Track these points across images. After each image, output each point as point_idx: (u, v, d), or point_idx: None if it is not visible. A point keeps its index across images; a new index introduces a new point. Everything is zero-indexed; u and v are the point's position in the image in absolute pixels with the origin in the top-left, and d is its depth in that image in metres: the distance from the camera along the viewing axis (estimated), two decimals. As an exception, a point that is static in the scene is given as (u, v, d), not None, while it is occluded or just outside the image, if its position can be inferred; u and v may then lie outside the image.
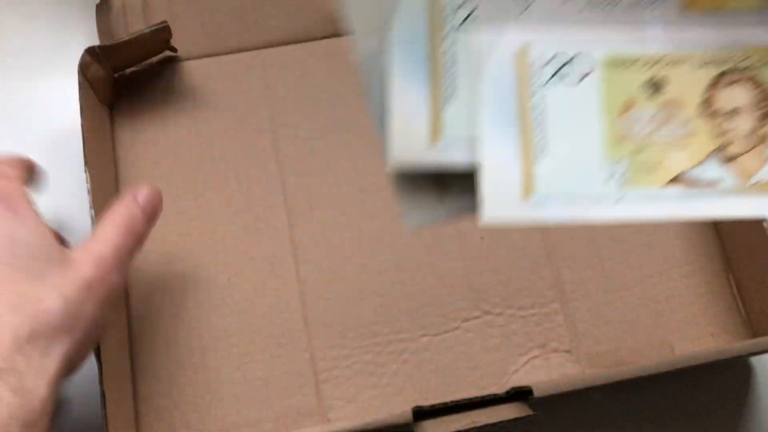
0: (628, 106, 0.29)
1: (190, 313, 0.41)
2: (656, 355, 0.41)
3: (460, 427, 0.33)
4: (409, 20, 0.29)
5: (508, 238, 0.43)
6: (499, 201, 0.29)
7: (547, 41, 0.29)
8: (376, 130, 0.29)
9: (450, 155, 0.29)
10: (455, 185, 0.30)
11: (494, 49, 0.29)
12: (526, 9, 0.29)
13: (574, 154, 0.29)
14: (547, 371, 0.40)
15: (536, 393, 0.34)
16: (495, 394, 0.35)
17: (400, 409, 0.34)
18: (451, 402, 0.34)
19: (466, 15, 0.29)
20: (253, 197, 0.44)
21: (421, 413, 0.34)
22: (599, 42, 0.29)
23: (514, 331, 0.41)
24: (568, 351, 0.41)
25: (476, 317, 0.42)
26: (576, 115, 0.29)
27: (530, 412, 0.34)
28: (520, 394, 0.35)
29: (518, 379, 0.40)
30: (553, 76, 0.29)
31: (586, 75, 0.29)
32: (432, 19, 0.29)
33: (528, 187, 0.29)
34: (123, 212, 0.34)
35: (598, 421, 0.41)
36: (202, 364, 0.40)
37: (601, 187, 0.29)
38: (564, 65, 0.29)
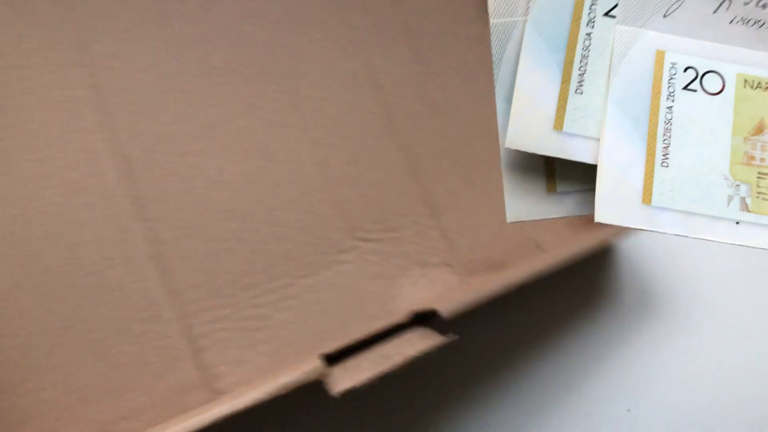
0: (760, 129, 0.28)
1: (21, 302, 0.35)
2: (525, 253, 0.40)
3: (374, 369, 0.30)
4: (553, 4, 0.28)
5: (373, 161, 0.42)
6: (616, 203, 0.27)
7: (687, 49, 0.28)
8: (499, 108, 0.28)
9: (571, 145, 0.28)
10: (568, 180, 0.28)
11: (632, 48, 0.28)
12: (671, 12, 0.28)
13: (698, 167, 0.28)
14: (431, 289, 0.39)
15: (444, 314, 0.32)
16: (399, 324, 0.33)
17: (296, 362, 0.30)
18: (357, 341, 0.32)
19: (610, 6, 0.28)
20: (72, 149, 0.37)
21: (330, 361, 0.31)
22: (741, 60, 0.28)
23: (392, 255, 0.39)
24: (448, 264, 0.39)
25: (353, 247, 0.39)
26: (705, 128, 0.28)
27: (445, 340, 0.32)
28: (424, 318, 0.33)
29: (410, 303, 0.38)
30: (688, 85, 0.28)
31: (722, 90, 0.28)
32: (575, 3, 0.28)
33: (648, 193, 0.27)
34: None
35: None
36: (51, 361, 0.35)
37: (721, 208, 0.28)
38: (700, 76, 0.28)
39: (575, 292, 0.45)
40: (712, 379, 0.44)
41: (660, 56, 0.28)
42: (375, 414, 0.40)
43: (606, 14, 0.28)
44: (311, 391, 0.30)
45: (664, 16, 0.28)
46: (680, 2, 0.28)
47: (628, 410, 0.43)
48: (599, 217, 0.27)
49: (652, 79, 0.28)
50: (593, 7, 0.28)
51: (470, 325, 0.42)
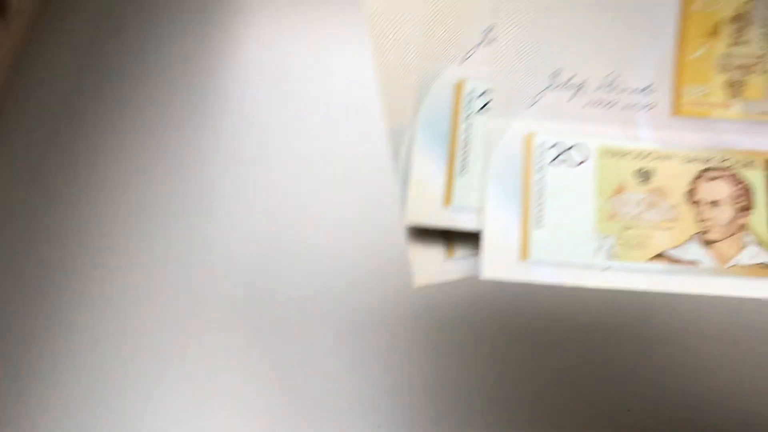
0: (619, 190, 0.34)
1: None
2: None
3: None
4: (436, 103, 0.35)
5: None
6: (498, 261, 0.33)
7: (551, 130, 0.34)
8: (398, 192, 0.34)
9: (458, 218, 0.34)
10: (461, 247, 0.34)
11: (505, 133, 0.34)
12: (534, 103, 0.34)
13: (567, 226, 0.33)
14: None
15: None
16: None
17: None
18: None
19: (483, 104, 0.34)
20: None
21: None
22: (596, 135, 0.34)
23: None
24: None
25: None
26: (572, 193, 0.34)
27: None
28: None
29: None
30: (554, 159, 0.34)
31: (583, 161, 0.34)
32: (455, 104, 0.35)
33: (524, 251, 0.33)
34: None
35: None
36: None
37: (590, 258, 0.33)
38: (564, 151, 0.34)
39: (574, 292, 0.45)
40: (712, 378, 0.44)
41: (528, 139, 0.34)
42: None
43: (480, 110, 0.35)
44: None
45: (530, 106, 0.34)
46: (541, 94, 0.34)
47: (628, 410, 0.43)
48: (484, 274, 0.33)
49: (522, 157, 0.34)
50: (470, 104, 0.35)
51: (469, 324, 0.43)
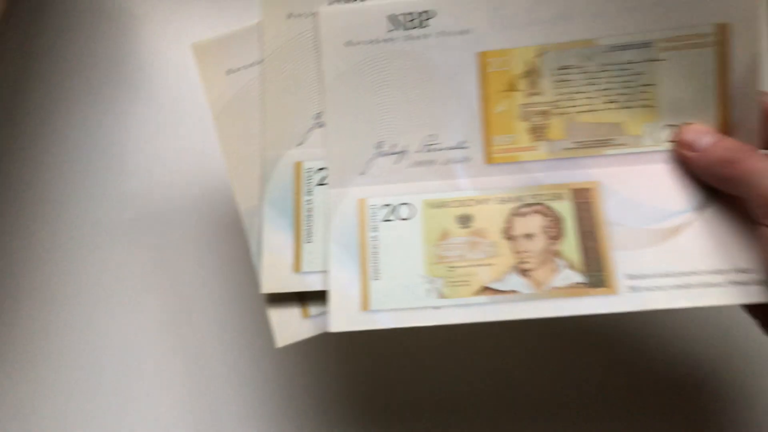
0: (443, 236, 0.38)
1: None
2: None
3: None
4: (279, 183, 0.40)
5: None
6: (343, 315, 0.37)
7: (381, 193, 0.39)
8: (255, 263, 0.39)
9: (308, 281, 0.38)
10: (315, 305, 0.38)
11: (341, 203, 0.39)
12: (364, 172, 0.39)
13: (401, 274, 0.37)
14: None
15: None
16: None
17: None
18: None
19: (320, 179, 0.39)
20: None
21: None
22: (423, 190, 0.39)
23: None
24: None
25: None
26: (403, 245, 0.38)
27: None
28: None
29: None
30: (386, 218, 0.38)
31: (411, 217, 0.38)
32: (296, 182, 0.40)
33: (365, 303, 0.37)
34: None
35: None
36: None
37: (423, 300, 0.37)
38: (394, 209, 0.38)
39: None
40: (711, 378, 0.44)
41: (361, 203, 0.39)
42: None
43: (318, 184, 0.39)
44: None
45: (360, 174, 0.39)
46: (370, 163, 0.39)
47: (628, 410, 0.44)
48: (332, 327, 0.37)
49: (357, 220, 0.38)
50: (309, 181, 0.40)
51: (468, 325, 0.45)
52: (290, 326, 0.38)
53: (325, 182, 0.39)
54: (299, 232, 0.39)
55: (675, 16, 0.37)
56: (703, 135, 0.36)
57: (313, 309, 0.38)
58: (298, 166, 0.40)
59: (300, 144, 0.40)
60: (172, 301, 0.42)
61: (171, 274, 0.43)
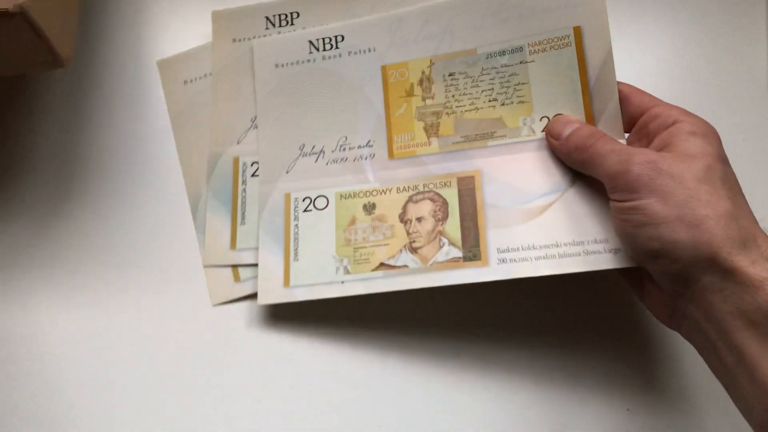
0: (352, 222, 0.44)
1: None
2: None
3: None
4: (221, 175, 0.47)
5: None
6: (269, 289, 0.44)
7: (303, 187, 0.46)
8: (199, 241, 0.47)
9: (242, 257, 0.46)
10: (246, 272, 0.46)
11: (270, 196, 0.46)
12: (290, 170, 0.46)
13: (316, 256, 0.44)
14: None
15: None
16: None
17: None
18: None
19: (253, 172, 0.47)
20: None
21: None
22: (337, 184, 0.45)
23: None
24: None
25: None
26: (320, 231, 0.44)
27: None
28: None
29: None
30: (306, 208, 0.45)
31: (326, 206, 0.45)
32: (234, 174, 0.47)
33: (287, 279, 0.44)
34: None
35: None
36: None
37: (332, 276, 0.43)
38: (313, 201, 0.45)
39: (574, 293, 0.46)
40: (711, 378, 0.47)
41: (287, 197, 0.46)
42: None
43: (252, 175, 0.47)
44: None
45: (287, 172, 0.46)
46: (294, 162, 0.46)
47: (628, 409, 0.44)
48: (260, 300, 0.44)
49: (283, 211, 0.46)
50: (244, 173, 0.47)
51: (469, 325, 0.45)
52: (224, 287, 0.46)
53: (256, 174, 0.47)
54: (235, 217, 0.46)
55: (539, 24, 0.43)
56: (565, 125, 0.41)
57: (243, 275, 0.46)
58: (236, 160, 0.47)
59: (239, 142, 0.48)
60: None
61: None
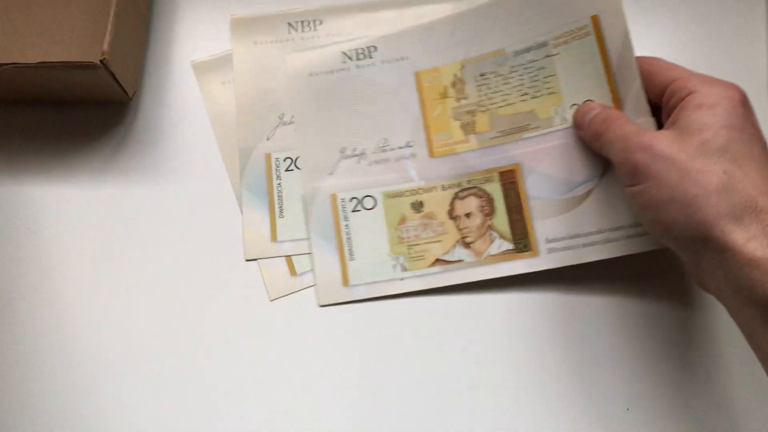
0: (402, 221, 0.47)
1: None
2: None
3: None
4: (253, 170, 0.49)
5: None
6: (328, 291, 0.47)
7: (348, 187, 0.48)
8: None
9: (283, 248, 0.47)
10: (301, 269, 0.48)
11: (316, 197, 0.48)
12: (333, 172, 0.48)
13: (371, 255, 0.47)
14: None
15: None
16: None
17: None
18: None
19: (286, 167, 0.48)
20: None
21: None
22: (381, 184, 0.48)
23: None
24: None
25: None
26: (370, 230, 0.47)
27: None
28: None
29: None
30: (354, 209, 0.48)
31: (374, 206, 0.48)
32: (267, 170, 0.49)
33: (345, 279, 0.47)
34: None
35: None
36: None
37: (390, 274, 0.46)
38: (359, 202, 0.48)
39: (574, 292, 0.46)
40: (710, 377, 0.44)
41: (333, 197, 0.48)
42: None
43: (286, 170, 0.48)
44: None
45: (330, 174, 0.48)
46: (336, 165, 0.48)
47: (627, 409, 0.44)
48: (321, 301, 0.46)
49: (331, 212, 0.48)
50: (278, 168, 0.49)
51: (470, 326, 0.46)
52: (281, 283, 0.47)
53: (290, 169, 0.48)
54: (273, 210, 0.48)
55: (558, 18, 0.46)
56: (587, 112, 0.43)
57: (299, 268, 0.47)
58: (267, 156, 0.49)
59: (268, 139, 0.49)
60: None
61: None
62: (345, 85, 0.48)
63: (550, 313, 0.46)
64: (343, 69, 0.49)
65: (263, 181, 0.49)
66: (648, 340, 0.45)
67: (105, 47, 0.44)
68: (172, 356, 0.46)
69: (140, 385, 0.46)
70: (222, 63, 0.52)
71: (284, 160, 0.49)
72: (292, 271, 0.48)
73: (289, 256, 0.48)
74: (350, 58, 0.49)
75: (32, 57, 0.45)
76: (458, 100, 0.47)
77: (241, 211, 0.49)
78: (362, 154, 0.48)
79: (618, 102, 0.44)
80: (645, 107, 0.43)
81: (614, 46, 0.44)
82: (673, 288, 0.46)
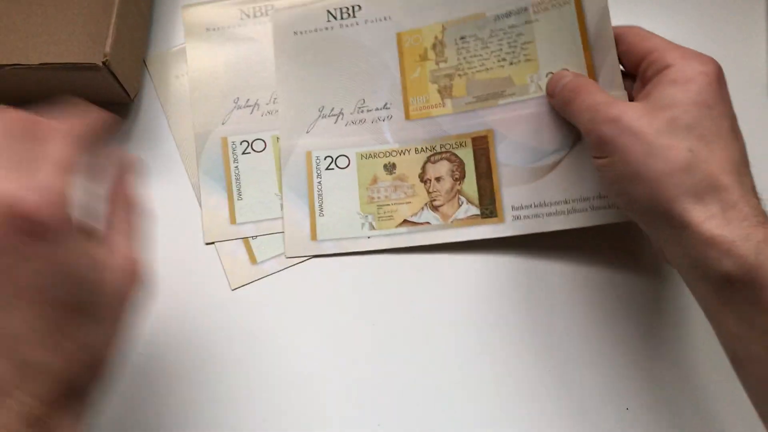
0: (374, 181, 0.48)
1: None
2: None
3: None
4: (210, 155, 0.49)
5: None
6: (296, 244, 0.47)
7: (323, 146, 0.48)
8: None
9: (242, 231, 0.48)
10: (262, 257, 0.48)
11: (291, 154, 0.49)
12: (310, 130, 0.49)
13: (341, 212, 0.47)
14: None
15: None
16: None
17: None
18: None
19: (243, 150, 0.49)
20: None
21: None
22: (357, 144, 0.48)
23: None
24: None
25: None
26: (342, 188, 0.48)
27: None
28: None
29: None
30: (328, 166, 0.48)
31: (347, 166, 0.48)
32: (224, 154, 0.49)
33: (313, 233, 0.47)
34: None
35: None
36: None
37: (358, 232, 0.47)
38: (333, 160, 0.48)
39: (574, 291, 0.46)
40: (711, 377, 0.44)
41: (308, 154, 0.48)
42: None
43: (243, 153, 0.48)
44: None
45: (307, 132, 0.49)
46: (314, 123, 0.49)
47: (627, 409, 0.44)
48: (288, 253, 0.47)
49: (305, 169, 0.48)
50: (235, 152, 0.48)
51: (470, 325, 0.45)
52: (243, 271, 0.48)
53: (247, 151, 0.49)
54: (231, 193, 0.49)
55: None
56: (559, 79, 0.43)
57: (259, 257, 0.48)
58: (224, 140, 0.49)
59: (224, 123, 0.50)
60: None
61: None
62: (328, 45, 0.49)
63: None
64: (326, 28, 0.49)
65: (220, 165, 0.49)
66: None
67: (107, 48, 0.44)
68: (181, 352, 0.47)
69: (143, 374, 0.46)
70: (179, 56, 0.52)
71: (240, 144, 0.49)
72: (252, 260, 0.48)
73: (248, 237, 0.48)
74: (334, 17, 0.49)
75: (34, 58, 0.45)
76: (437, 63, 0.48)
77: (198, 197, 0.49)
78: (340, 114, 0.49)
79: (592, 73, 0.44)
80: (618, 80, 0.43)
81: (592, 17, 0.44)
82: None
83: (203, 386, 0.46)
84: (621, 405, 0.44)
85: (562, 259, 0.46)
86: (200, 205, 0.49)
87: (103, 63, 0.44)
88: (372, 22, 0.49)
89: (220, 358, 0.46)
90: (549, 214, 0.44)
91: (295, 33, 0.49)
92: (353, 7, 0.49)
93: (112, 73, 0.45)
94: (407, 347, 0.45)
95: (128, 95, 0.49)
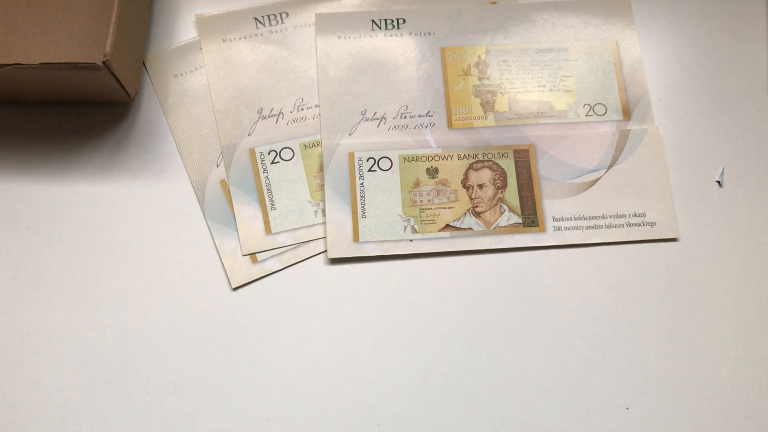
0: (416, 184, 0.48)
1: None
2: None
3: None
4: (239, 166, 0.48)
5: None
6: (338, 244, 0.47)
7: (366, 148, 0.49)
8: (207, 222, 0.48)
9: (278, 240, 0.47)
10: (262, 256, 0.47)
11: (334, 154, 0.49)
12: (353, 132, 0.49)
13: (383, 214, 0.48)
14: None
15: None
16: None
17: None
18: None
19: (272, 159, 0.49)
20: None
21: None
22: (399, 147, 0.49)
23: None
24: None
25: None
26: (384, 190, 0.48)
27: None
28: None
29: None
30: (370, 168, 0.49)
31: (390, 168, 0.49)
32: (253, 164, 0.49)
33: (356, 235, 0.47)
34: None
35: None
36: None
37: (400, 234, 0.47)
38: (377, 161, 0.49)
39: (574, 291, 0.47)
40: (711, 377, 0.45)
41: (351, 155, 0.49)
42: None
43: (272, 162, 0.48)
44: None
45: (349, 134, 0.49)
46: (356, 126, 0.49)
47: (627, 408, 0.44)
48: (331, 254, 0.47)
49: (348, 169, 0.48)
50: (263, 162, 0.49)
51: (469, 325, 0.46)
52: (242, 271, 0.47)
53: (276, 161, 0.49)
54: (264, 203, 0.48)
55: (582, 33, 0.50)
56: None
57: (259, 256, 0.47)
58: (252, 151, 0.49)
59: (249, 134, 0.49)
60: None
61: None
62: (372, 51, 0.50)
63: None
64: (371, 36, 0.50)
65: (250, 176, 0.49)
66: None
67: (107, 48, 0.44)
68: (177, 354, 0.46)
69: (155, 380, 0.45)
70: (176, 55, 0.52)
71: (269, 153, 0.49)
72: (253, 259, 0.47)
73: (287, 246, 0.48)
74: (379, 27, 0.51)
75: (35, 58, 0.46)
76: (480, 79, 0.50)
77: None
78: (382, 119, 0.49)
79: (627, 109, 0.49)
80: (651, 115, 0.48)
81: (628, 64, 0.49)
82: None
83: (203, 386, 0.45)
84: (621, 405, 0.45)
85: (563, 259, 0.48)
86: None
87: (103, 63, 0.44)
88: (416, 35, 0.51)
89: (221, 357, 0.45)
90: (588, 227, 0.47)
91: (339, 37, 0.50)
92: (398, 20, 0.51)
93: (112, 73, 0.45)
94: (407, 347, 0.46)
95: (128, 95, 0.48)
